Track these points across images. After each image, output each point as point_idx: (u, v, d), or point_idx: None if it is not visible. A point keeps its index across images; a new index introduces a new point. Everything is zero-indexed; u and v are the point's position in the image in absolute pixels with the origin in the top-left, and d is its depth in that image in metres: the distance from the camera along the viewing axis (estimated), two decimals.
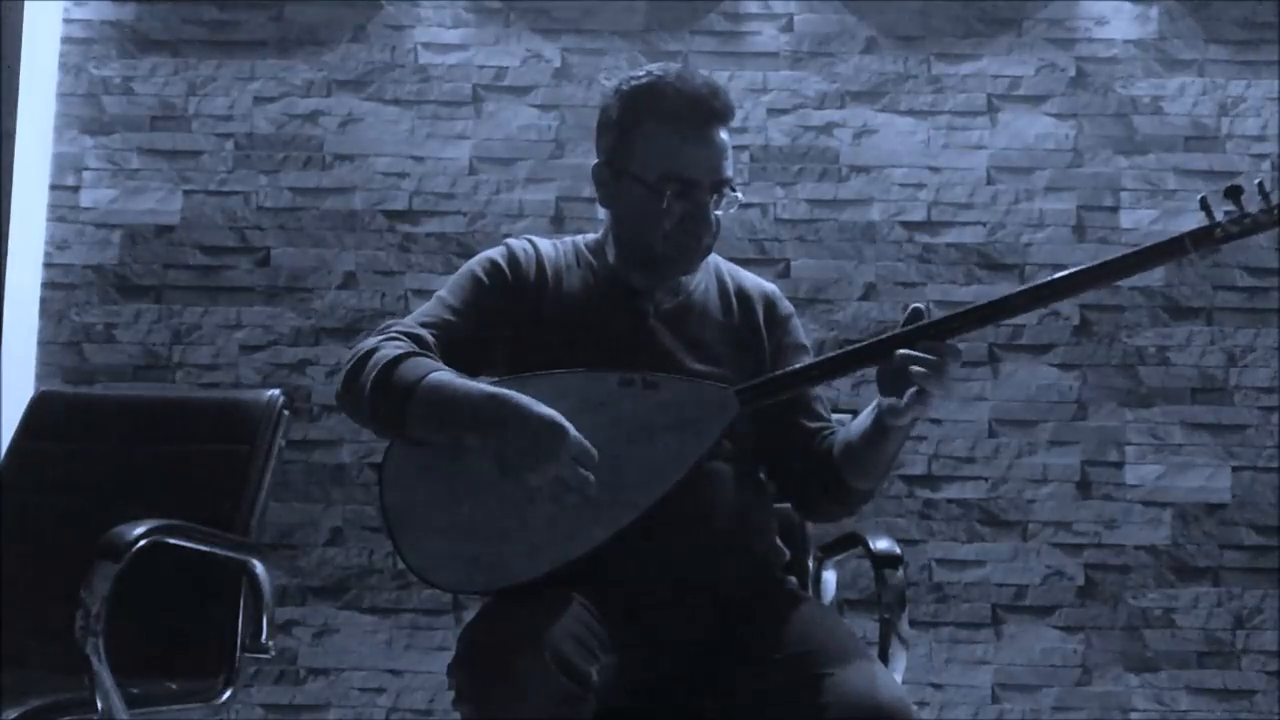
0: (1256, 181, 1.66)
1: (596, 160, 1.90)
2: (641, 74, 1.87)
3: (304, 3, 3.76)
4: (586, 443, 1.63)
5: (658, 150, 1.80)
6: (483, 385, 1.69)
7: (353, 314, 3.66)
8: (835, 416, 1.95)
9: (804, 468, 1.87)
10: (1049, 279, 1.74)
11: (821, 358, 1.81)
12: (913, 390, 1.64)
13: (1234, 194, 1.66)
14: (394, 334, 1.79)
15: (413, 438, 1.71)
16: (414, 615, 3.55)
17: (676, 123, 1.80)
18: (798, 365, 1.87)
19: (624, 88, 1.86)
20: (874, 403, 1.73)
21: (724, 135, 1.82)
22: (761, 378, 1.79)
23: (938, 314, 1.72)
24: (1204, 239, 1.67)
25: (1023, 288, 1.76)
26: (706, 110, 1.80)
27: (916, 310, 1.70)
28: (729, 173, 1.83)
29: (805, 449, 1.87)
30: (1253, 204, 1.66)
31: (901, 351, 1.65)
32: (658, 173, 1.80)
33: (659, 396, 1.73)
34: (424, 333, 1.80)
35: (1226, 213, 1.67)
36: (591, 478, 1.63)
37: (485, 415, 1.65)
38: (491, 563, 1.68)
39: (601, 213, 3.75)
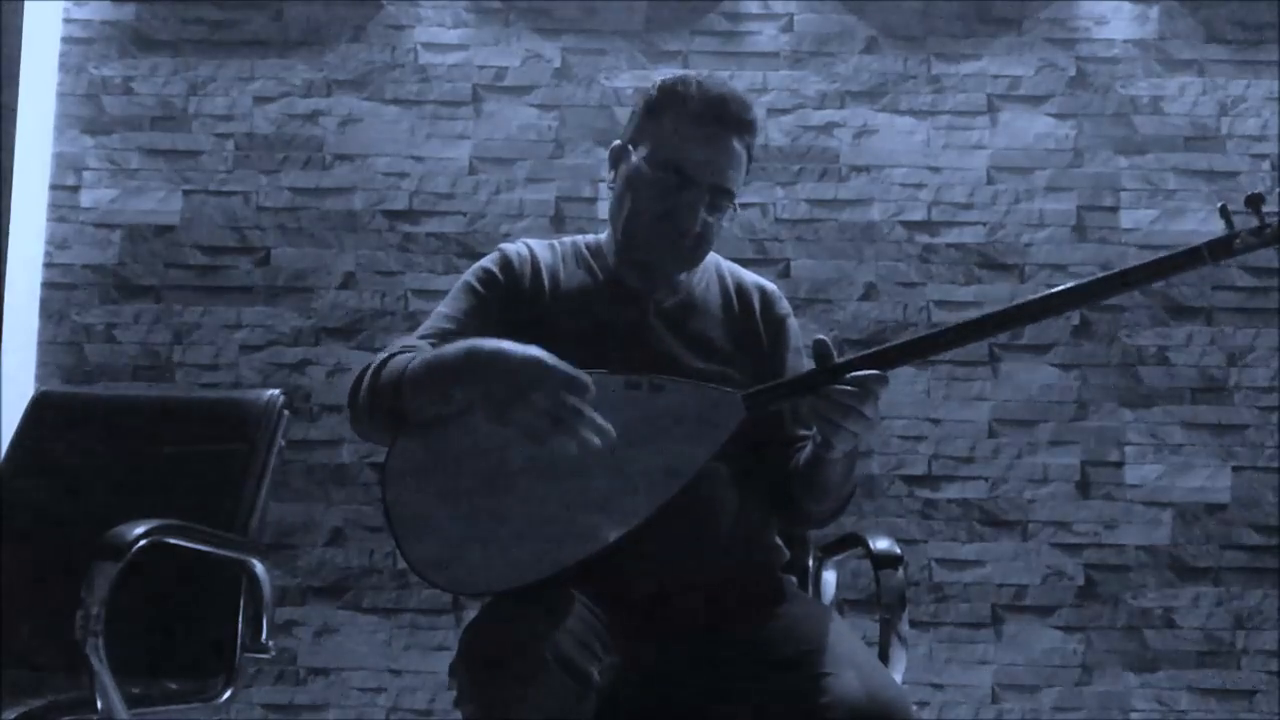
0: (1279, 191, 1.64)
1: (615, 142, 1.93)
2: (679, 74, 1.92)
3: (304, 3, 3.76)
4: (575, 371, 1.60)
5: (671, 139, 1.84)
6: (461, 341, 1.69)
7: (353, 314, 3.66)
8: None
9: (781, 478, 1.87)
10: (1062, 288, 1.70)
11: (833, 363, 1.79)
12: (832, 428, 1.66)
13: (1254, 203, 1.63)
14: (392, 351, 1.81)
15: (416, 420, 1.71)
16: (414, 615, 3.55)
17: (697, 119, 1.83)
18: (801, 369, 1.88)
19: (662, 83, 1.90)
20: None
21: (737, 145, 1.84)
22: (770, 383, 1.79)
23: (936, 315, 1.71)
24: (1222, 250, 1.64)
25: (1037, 296, 1.72)
26: (728, 114, 1.83)
27: (820, 342, 1.70)
28: (731, 183, 1.84)
29: (784, 458, 1.87)
30: (1273, 216, 1.63)
31: (852, 374, 1.65)
32: (661, 159, 1.83)
33: (665, 400, 1.73)
34: (423, 344, 1.81)
35: (1236, 214, 1.65)
36: (587, 409, 1.59)
37: (465, 366, 1.64)
38: (494, 564, 1.68)
39: (603, 212, 3.74)
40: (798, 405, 1.80)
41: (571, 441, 1.60)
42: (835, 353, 1.71)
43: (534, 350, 1.62)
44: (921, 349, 1.76)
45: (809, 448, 1.79)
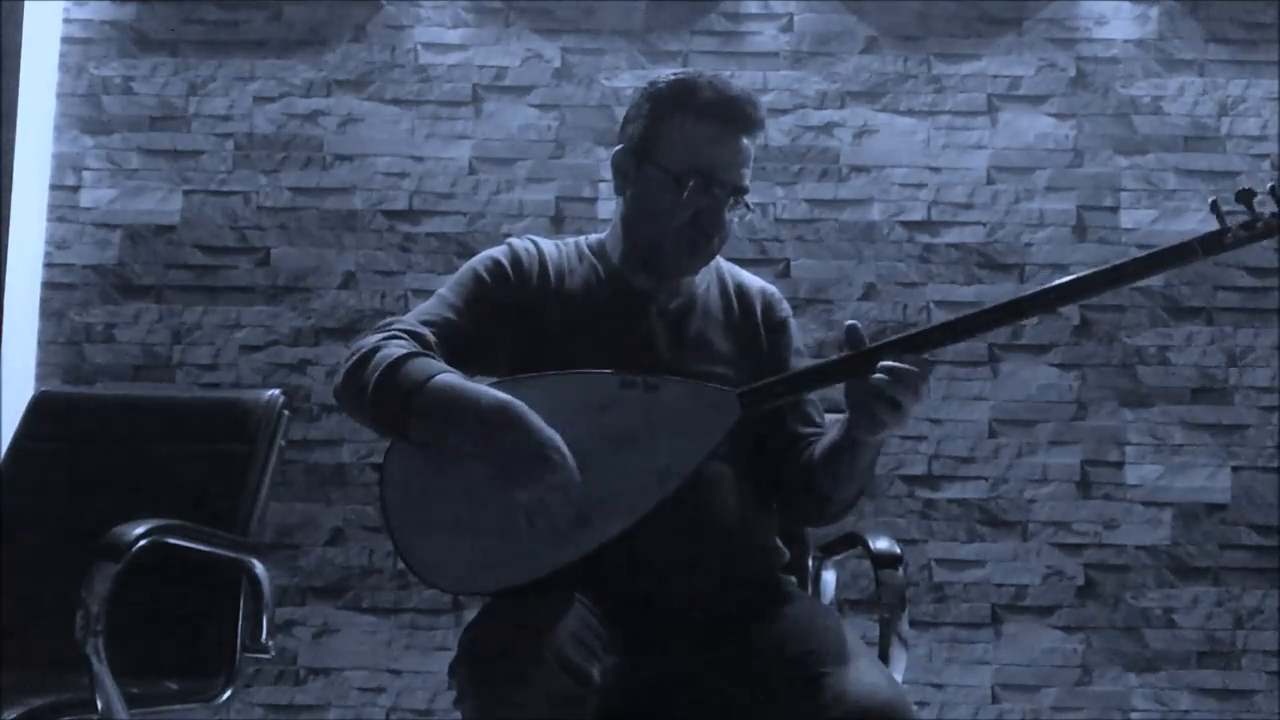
0: (1269, 186, 1.64)
1: (618, 147, 1.89)
2: (680, 73, 1.89)
3: (304, 3, 3.76)
4: (576, 474, 1.63)
5: (687, 143, 1.81)
6: (492, 390, 1.68)
7: (353, 314, 3.66)
8: (831, 417, 1.94)
9: (787, 473, 1.87)
10: (1055, 284, 1.71)
11: (824, 361, 1.80)
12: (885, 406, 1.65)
13: (1245, 198, 1.63)
14: (395, 332, 1.79)
15: (413, 438, 1.71)
16: (414, 615, 3.55)
17: (711, 121, 1.81)
18: (799, 368, 1.87)
19: (661, 82, 1.87)
20: (846, 415, 1.74)
21: (749, 143, 1.83)
22: (764, 381, 1.79)
23: (937, 315, 1.72)
24: (1214, 244, 1.64)
25: (1029, 292, 1.73)
26: (741, 115, 1.82)
27: (852, 328, 1.71)
28: (747, 182, 1.84)
29: (791, 454, 1.87)
30: (1264, 208, 1.63)
31: (885, 364, 1.65)
32: (683, 165, 1.81)
33: (660, 399, 1.73)
34: (425, 331, 1.80)
35: (1229, 214, 1.65)
36: (566, 511, 1.63)
37: (492, 421, 1.64)
38: (492, 564, 1.68)
39: (603, 212, 3.74)
40: (800, 401, 1.80)
41: (540, 523, 1.64)
42: (867, 340, 1.71)
43: (560, 442, 1.63)
44: (923, 341, 1.74)
45: (839, 431, 1.77)
